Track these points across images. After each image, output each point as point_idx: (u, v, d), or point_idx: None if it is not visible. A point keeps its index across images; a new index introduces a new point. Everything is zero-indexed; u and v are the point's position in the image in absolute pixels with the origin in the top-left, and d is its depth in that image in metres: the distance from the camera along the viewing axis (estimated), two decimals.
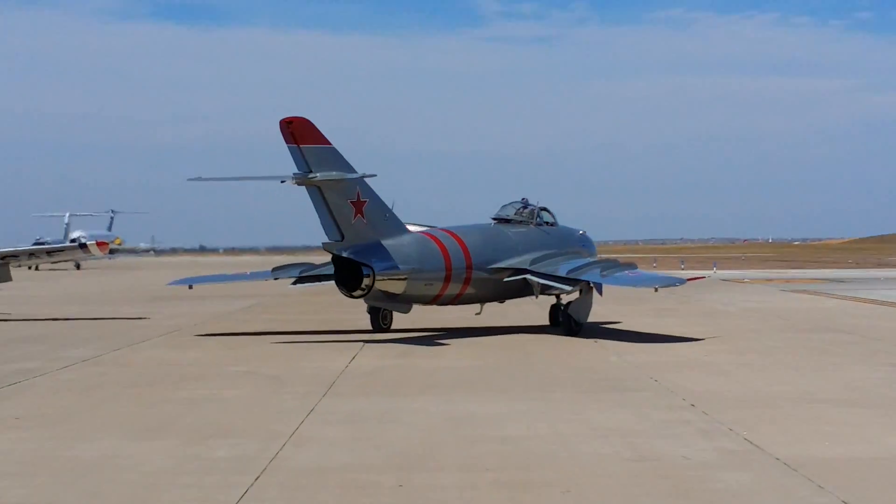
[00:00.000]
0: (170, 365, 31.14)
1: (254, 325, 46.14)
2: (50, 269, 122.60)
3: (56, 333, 41.97)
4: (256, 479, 16.05)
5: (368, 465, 17.03)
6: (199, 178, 41.77)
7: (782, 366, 30.26)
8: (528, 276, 42.31)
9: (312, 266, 44.38)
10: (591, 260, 44.26)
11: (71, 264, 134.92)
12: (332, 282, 40.28)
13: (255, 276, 46.58)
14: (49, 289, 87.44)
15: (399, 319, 43.36)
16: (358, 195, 39.03)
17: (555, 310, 44.95)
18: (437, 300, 41.38)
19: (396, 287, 39.51)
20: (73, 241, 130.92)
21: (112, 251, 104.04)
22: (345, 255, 38.59)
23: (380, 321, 43.30)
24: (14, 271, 55.40)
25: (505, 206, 45.78)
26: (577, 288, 41.71)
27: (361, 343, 37.06)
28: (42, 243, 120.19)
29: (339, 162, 38.61)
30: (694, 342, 36.98)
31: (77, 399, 24.39)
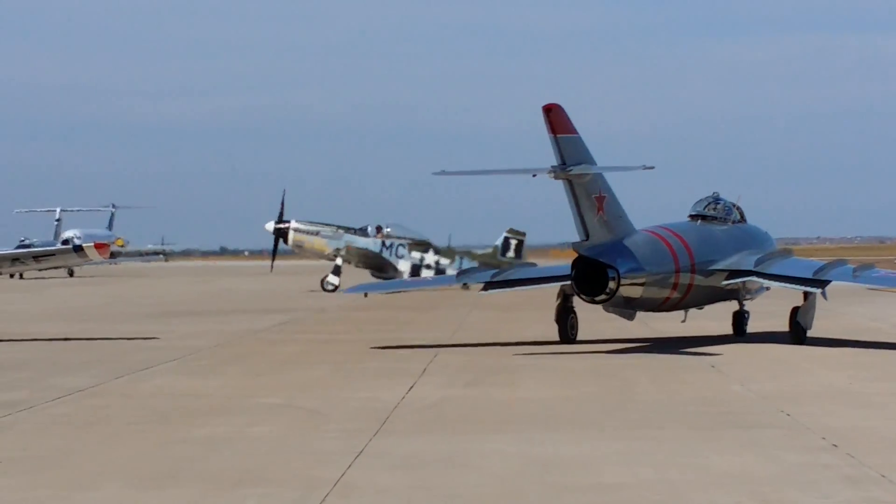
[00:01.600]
0: (185, 396, 31.29)
1: (288, 345, 46.30)
2: (37, 278, 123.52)
3: (45, 357, 42.27)
4: None
5: None
6: (444, 173, 46.82)
7: None
8: (755, 278, 45.57)
9: (503, 270, 48.10)
10: (814, 260, 48.26)
11: (63, 271, 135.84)
12: (526, 288, 45.79)
13: (438, 281, 55.22)
14: (36, 302, 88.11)
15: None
16: (600, 190, 42.44)
17: (738, 317, 48.01)
18: (663, 306, 45.03)
19: (635, 291, 42.85)
20: (65, 242, 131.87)
21: (113, 254, 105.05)
22: (589, 255, 41.87)
23: (568, 330, 45.78)
24: None
25: (698, 200, 48.65)
26: (819, 290, 44.23)
27: (422, 368, 37.05)
28: (28, 246, 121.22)
29: (586, 152, 42.20)
30: (836, 367, 36.75)
31: (72, 438, 24.56)
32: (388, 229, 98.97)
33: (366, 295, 55.54)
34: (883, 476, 19.84)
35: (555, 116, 41.88)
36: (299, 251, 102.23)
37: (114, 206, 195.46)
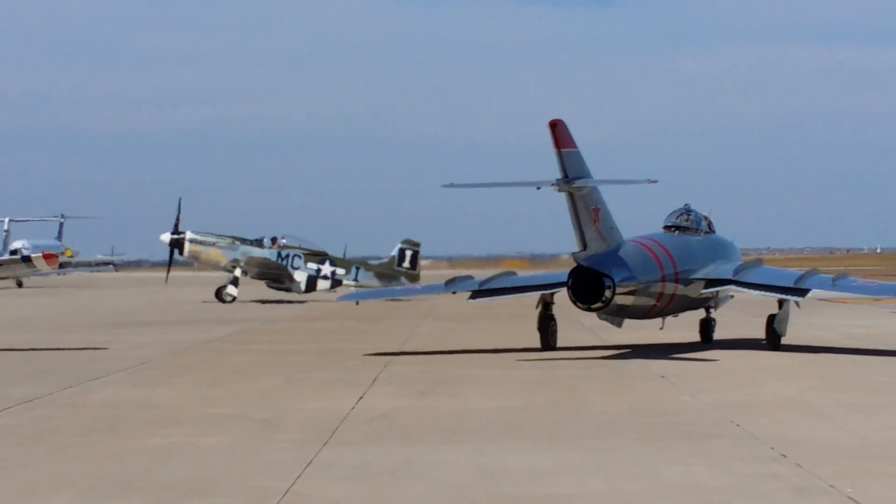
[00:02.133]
0: (135, 406, 31.21)
1: (237, 356, 46.24)
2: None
3: None
4: None
5: None
6: (452, 185, 48.74)
7: (895, 407, 30.20)
8: (734, 287, 47.92)
9: (489, 279, 49.02)
10: (788, 270, 51.51)
11: (11, 282, 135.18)
12: (512, 296, 48.36)
13: (427, 290, 54.74)
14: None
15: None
16: (596, 202, 44.59)
17: (705, 325, 50.74)
18: (649, 313, 47.01)
19: (627, 300, 44.91)
20: (13, 252, 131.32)
21: (62, 265, 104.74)
22: (587, 265, 43.85)
23: (549, 337, 47.47)
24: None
25: (672, 212, 50.57)
26: (801, 298, 46.66)
27: (372, 378, 37.03)
28: None
29: (585, 166, 44.23)
30: (785, 377, 36.93)
31: (20, 450, 24.46)
32: (284, 240, 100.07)
33: (357, 303, 57.91)
34: (832, 486, 19.92)
35: (559, 131, 43.62)
36: (195, 262, 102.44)
37: (63, 216, 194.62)
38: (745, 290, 47.68)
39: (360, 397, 32.40)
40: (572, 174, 43.61)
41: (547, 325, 47.48)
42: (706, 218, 51.21)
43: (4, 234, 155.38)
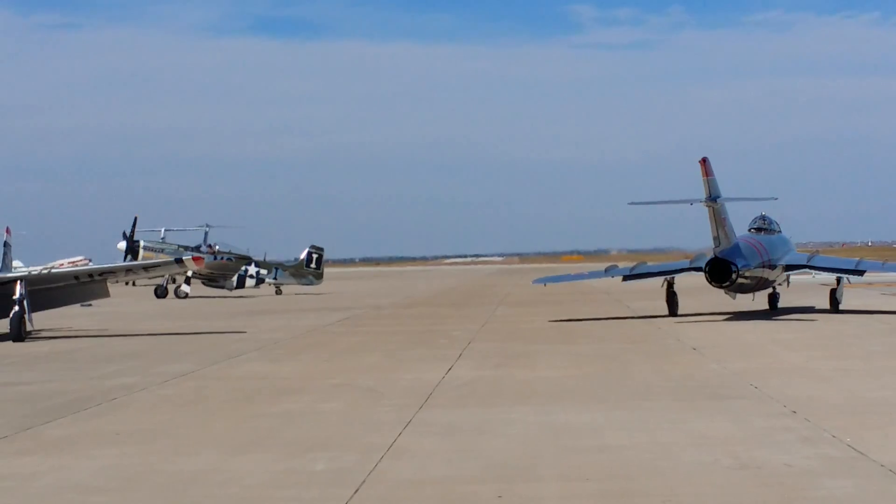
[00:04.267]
0: (267, 379, 31.36)
1: (348, 337, 46.37)
2: (147, 284, 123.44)
3: (153, 349, 42.42)
4: (356, 492, 16.11)
5: (467, 476, 17.05)
6: (635, 203, 58.25)
7: (886, 371, 29.95)
8: (810, 268, 55.30)
9: (635, 266, 57.06)
10: (842, 257, 59.65)
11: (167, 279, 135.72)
12: (658, 279, 55.83)
13: (593, 275, 59.26)
14: (145, 304, 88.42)
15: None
16: (725, 213, 51.52)
17: (772, 298, 57.53)
18: (752, 289, 53.61)
19: (744, 280, 51.71)
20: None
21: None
22: (721, 256, 51.07)
23: (674, 307, 55.06)
24: (111, 287, 56.00)
25: (755, 219, 57.00)
26: (860, 277, 55.64)
27: (458, 353, 37.06)
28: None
29: (719, 188, 51.27)
30: (794, 348, 36.68)
31: (176, 414, 24.63)
32: (217, 246, 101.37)
33: (545, 285, 63.52)
34: (834, 437, 19.79)
35: (706, 165, 50.94)
36: None
37: (208, 225, 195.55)
38: (817, 272, 56.05)
39: (449, 369, 32.42)
40: (714, 194, 50.92)
41: (672, 299, 55.31)
42: (776, 222, 57.20)
43: (161, 240, 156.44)
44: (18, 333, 47.77)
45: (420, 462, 18.21)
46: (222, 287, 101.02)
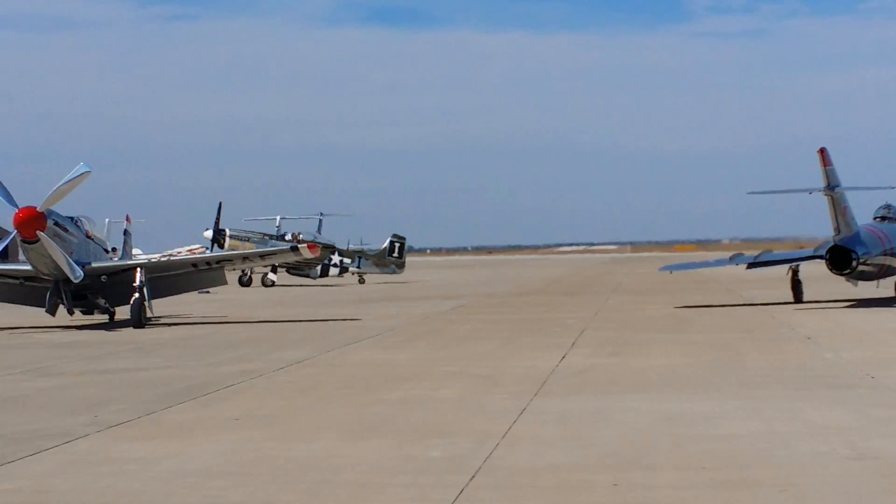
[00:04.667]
0: (382, 366, 31.52)
1: (462, 325, 46.49)
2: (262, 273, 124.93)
3: (271, 335, 42.82)
4: (472, 478, 16.15)
5: (582, 464, 17.03)
6: (755, 192, 59.21)
7: None
8: None
9: (760, 254, 57.55)
10: None
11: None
12: (781, 267, 56.25)
13: (717, 263, 59.74)
14: (261, 291, 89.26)
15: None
16: (845, 201, 52.15)
17: None
18: (873, 277, 53.83)
19: (865, 268, 52.21)
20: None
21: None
22: (841, 244, 51.59)
23: (799, 295, 55.20)
24: (229, 275, 56.66)
25: (879, 208, 56.69)
26: None
27: (571, 341, 37.00)
28: None
29: (838, 177, 51.71)
30: None
31: (293, 400, 24.84)
32: (302, 235, 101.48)
33: (671, 272, 66.27)
34: None
35: (825, 155, 51.40)
36: None
37: (322, 213, 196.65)
38: None
39: (563, 357, 32.38)
40: (833, 183, 51.36)
41: (797, 287, 55.43)
42: None
43: (277, 229, 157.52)
44: (139, 320, 48.47)
45: (535, 449, 18.22)
46: (307, 276, 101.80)
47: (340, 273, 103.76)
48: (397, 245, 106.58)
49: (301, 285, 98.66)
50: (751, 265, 56.64)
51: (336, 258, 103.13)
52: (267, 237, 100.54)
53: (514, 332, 41.62)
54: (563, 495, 15.17)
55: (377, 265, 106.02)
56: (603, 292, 72.57)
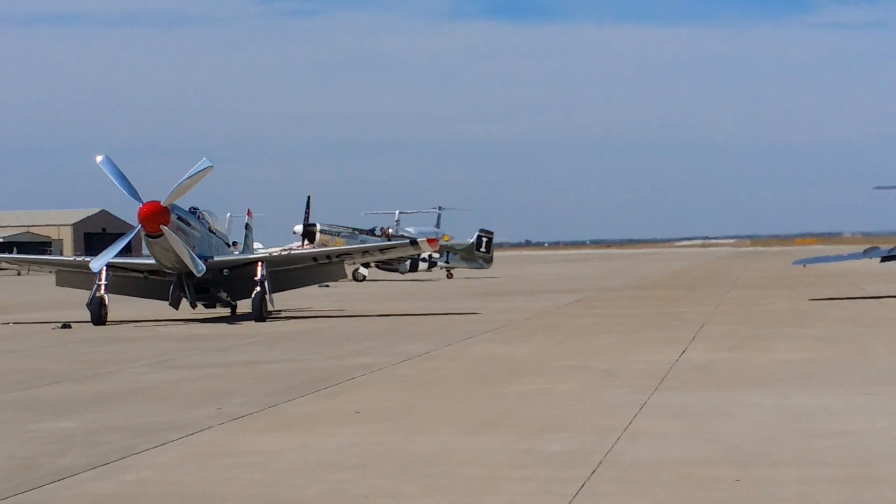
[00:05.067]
0: (501, 359, 31.50)
1: (581, 319, 46.33)
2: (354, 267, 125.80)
3: (390, 329, 42.99)
4: (592, 472, 16.08)
5: (704, 459, 16.88)
6: (882, 188, 60.66)
7: None
8: None
9: (892, 248, 56.22)
10: None
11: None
12: None
13: (851, 256, 59.81)
14: (379, 285, 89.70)
15: None
16: None
17: None
18: None
19: None
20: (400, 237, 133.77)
21: (441, 247, 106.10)
22: None
23: None
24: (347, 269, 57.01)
25: None
26: None
27: (691, 336, 36.70)
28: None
29: None
30: None
31: (413, 393, 24.90)
32: (390, 230, 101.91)
33: (804, 266, 65.40)
34: None
35: None
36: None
37: (440, 208, 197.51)
38: None
39: (683, 351, 32.14)
40: None
41: None
42: None
43: (396, 223, 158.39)
44: (260, 313, 48.90)
45: (656, 444, 18.09)
46: (396, 270, 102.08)
47: (429, 268, 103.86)
48: (485, 240, 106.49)
49: (390, 280, 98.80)
50: (885, 259, 56.34)
51: (425, 252, 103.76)
52: (356, 232, 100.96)
53: (633, 327, 41.38)
54: (686, 490, 15.04)
55: (465, 260, 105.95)
56: (722, 286, 71.98)
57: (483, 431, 19.75)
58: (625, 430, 19.41)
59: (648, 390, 24.19)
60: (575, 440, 18.59)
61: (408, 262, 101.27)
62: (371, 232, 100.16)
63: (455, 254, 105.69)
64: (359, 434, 19.69)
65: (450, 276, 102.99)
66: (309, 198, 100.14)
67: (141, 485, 16.00)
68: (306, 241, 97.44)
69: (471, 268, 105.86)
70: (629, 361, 30.00)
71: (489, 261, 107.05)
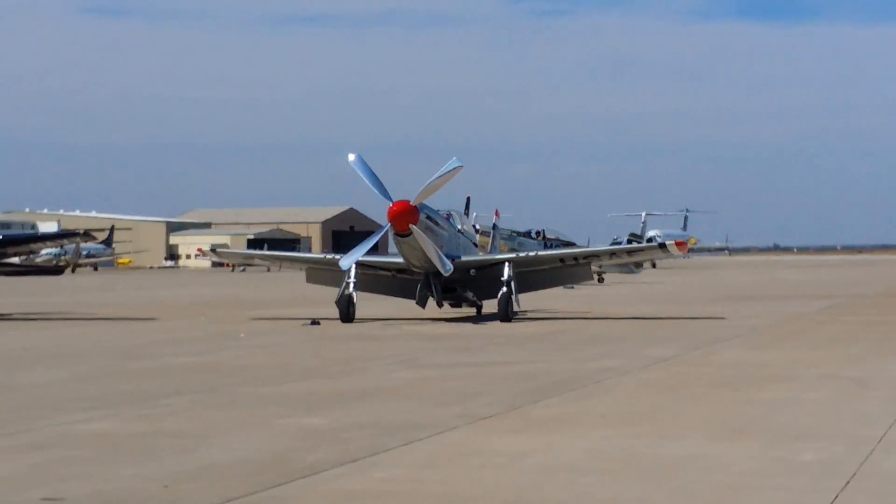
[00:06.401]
0: (748, 365, 30.95)
1: (833, 325, 45.30)
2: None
3: (634, 332, 42.66)
4: (846, 483, 15.62)
5: None
6: None
7: None
8: None
9: None
10: None
11: (647, 263, 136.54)
12: None
13: None
14: (631, 288, 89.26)
15: None
16: None
17: None
18: None
19: None
20: (649, 240, 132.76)
21: (688, 250, 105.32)
22: None
23: None
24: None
25: None
26: None
27: None
28: (618, 243, 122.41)
29: None
30: None
31: (659, 398, 24.61)
32: (545, 231, 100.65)
33: None
34: None
35: None
36: (481, 251, 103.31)
37: (687, 210, 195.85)
38: None
39: None
40: None
41: None
42: None
43: (642, 225, 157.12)
44: (506, 314, 49.03)
45: None
46: None
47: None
48: (634, 244, 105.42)
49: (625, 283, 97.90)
50: None
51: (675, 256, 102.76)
52: (514, 234, 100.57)
53: (886, 335, 40.26)
54: None
55: (616, 264, 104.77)
56: None
57: (730, 438, 19.37)
58: (879, 440, 18.81)
59: None
60: (827, 449, 18.09)
61: None
62: (528, 234, 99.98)
63: None
64: (604, 438, 19.51)
65: (601, 280, 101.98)
66: (468, 199, 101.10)
67: (389, 482, 16.10)
68: None
69: (622, 272, 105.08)
70: (883, 371, 29.14)
71: (639, 265, 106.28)
